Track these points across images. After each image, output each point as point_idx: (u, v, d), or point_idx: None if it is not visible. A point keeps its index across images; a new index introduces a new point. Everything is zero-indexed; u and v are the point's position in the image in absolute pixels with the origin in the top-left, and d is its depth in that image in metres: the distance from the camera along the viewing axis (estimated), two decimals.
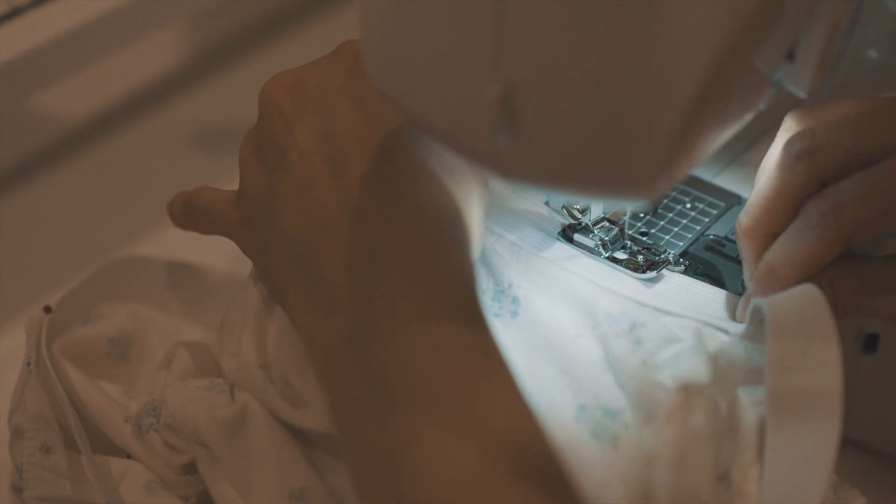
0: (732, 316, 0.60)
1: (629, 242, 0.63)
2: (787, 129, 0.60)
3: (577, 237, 0.63)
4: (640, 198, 0.48)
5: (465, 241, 0.54)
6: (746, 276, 0.60)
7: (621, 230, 0.63)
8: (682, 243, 0.64)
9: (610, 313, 0.58)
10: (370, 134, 0.55)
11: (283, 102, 0.57)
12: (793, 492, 0.51)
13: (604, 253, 0.62)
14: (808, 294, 0.54)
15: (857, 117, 0.58)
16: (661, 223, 0.65)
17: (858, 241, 0.57)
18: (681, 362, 0.56)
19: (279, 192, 0.56)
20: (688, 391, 0.54)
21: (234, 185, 0.90)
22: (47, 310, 0.65)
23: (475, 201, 0.56)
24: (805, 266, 0.58)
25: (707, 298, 0.61)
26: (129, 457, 0.63)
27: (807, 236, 0.57)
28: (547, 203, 0.64)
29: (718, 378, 0.56)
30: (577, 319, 0.58)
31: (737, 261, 0.63)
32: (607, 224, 0.63)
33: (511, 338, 0.57)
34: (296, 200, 0.55)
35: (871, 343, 0.66)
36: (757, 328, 0.57)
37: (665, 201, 0.66)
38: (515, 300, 0.59)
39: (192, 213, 0.65)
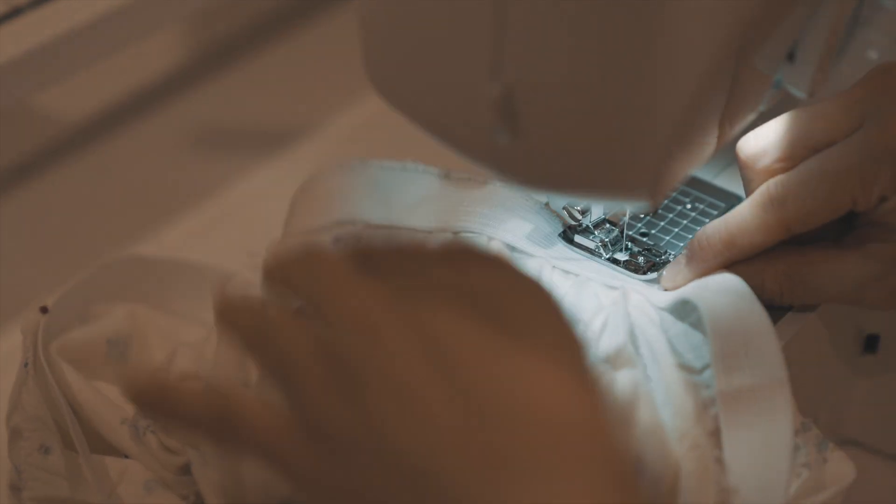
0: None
1: (629, 244, 0.63)
2: None
3: (578, 238, 0.63)
4: (640, 199, 0.48)
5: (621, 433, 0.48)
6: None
7: (621, 231, 0.63)
8: (682, 244, 0.64)
9: None
10: (475, 328, 0.46)
11: (366, 298, 0.46)
12: (758, 484, 0.53)
13: (604, 254, 0.62)
14: (736, 289, 0.57)
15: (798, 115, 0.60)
16: (662, 224, 0.65)
17: (803, 230, 0.58)
18: (607, 336, 0.57)
19: (372, 403, 0.45)
20: (613, 363, 0.56)
21: (233, 186, 0.91)
22: (44, 310, 0.65)
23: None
24: (744, 248, 0.59)
25: None
26: (127, 456, 0.63)
27: (752, 221, 0.59)
28: (547, 204, 0.64)
29: (642, 346, 0.57)
30: None
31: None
32: (608, 225, 0.63)
33: None
34: (396, 411, 0.45)
35: (871, 343, 0.66)
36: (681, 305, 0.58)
37: (665, 202, 0.66)
38: None
39: (225, 423, 0.47)
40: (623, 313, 0.57)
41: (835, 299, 0.59)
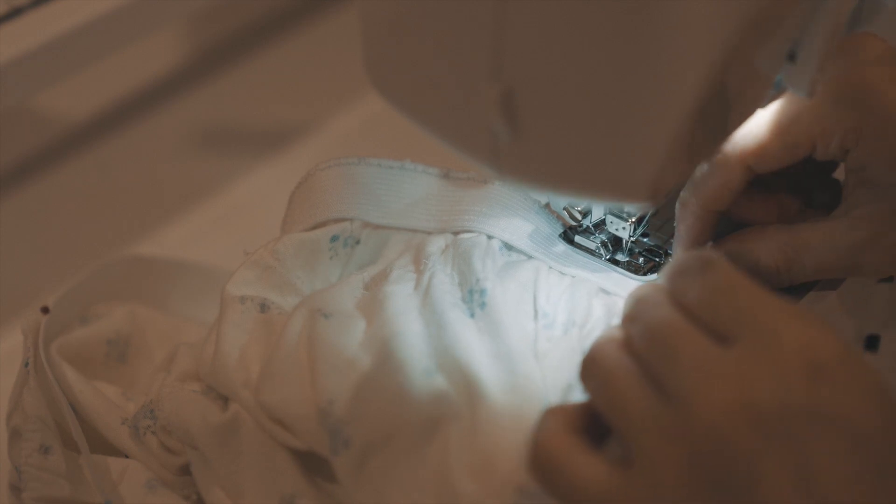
0: None
1: (631, 244, 0.63)
2: None
3: (578, 239, 0.63)
4: (641, 200, 0.48)
5: None
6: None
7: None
8: None
9: (547, 313, 0.58)
10: (865, 485, 0.44)
11: (742, 431, 0.44)
12: None
13: (605, 255, 0.62)
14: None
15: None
16: (662, 224, 0.65)
17: (763, 169, 0.58)
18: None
19: None
20: None
21: (233, 186, 0.91)
22: (45, 310, 0.65)
23: None
24: (709, 191, 0.59)
25: None
26: (127, 456, 0.63)
27: (711, 166, 0.58)
28: (548, 205, 0.64)
29: None
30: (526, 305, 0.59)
31: None
32: (618, 222, 0.63)
33: (486, 327, 0.57)
34: None
35: (871, 343, 0.66)
36: None
37: (665, 202, 0.66)
38: (483, 292, 0.59)
39: None
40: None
41: (833, 271, 0.59)
